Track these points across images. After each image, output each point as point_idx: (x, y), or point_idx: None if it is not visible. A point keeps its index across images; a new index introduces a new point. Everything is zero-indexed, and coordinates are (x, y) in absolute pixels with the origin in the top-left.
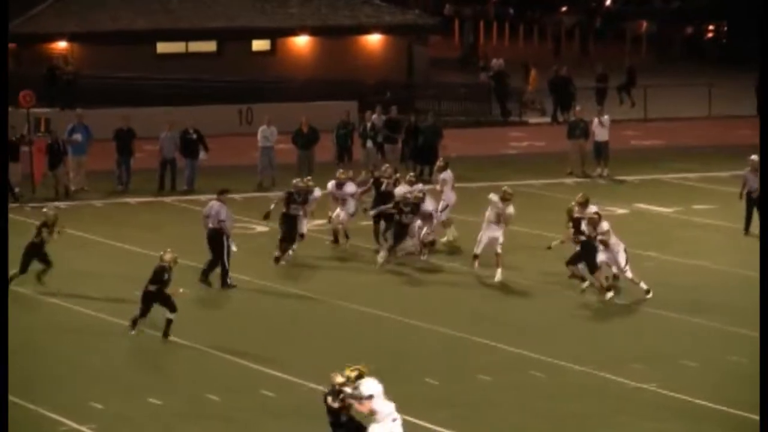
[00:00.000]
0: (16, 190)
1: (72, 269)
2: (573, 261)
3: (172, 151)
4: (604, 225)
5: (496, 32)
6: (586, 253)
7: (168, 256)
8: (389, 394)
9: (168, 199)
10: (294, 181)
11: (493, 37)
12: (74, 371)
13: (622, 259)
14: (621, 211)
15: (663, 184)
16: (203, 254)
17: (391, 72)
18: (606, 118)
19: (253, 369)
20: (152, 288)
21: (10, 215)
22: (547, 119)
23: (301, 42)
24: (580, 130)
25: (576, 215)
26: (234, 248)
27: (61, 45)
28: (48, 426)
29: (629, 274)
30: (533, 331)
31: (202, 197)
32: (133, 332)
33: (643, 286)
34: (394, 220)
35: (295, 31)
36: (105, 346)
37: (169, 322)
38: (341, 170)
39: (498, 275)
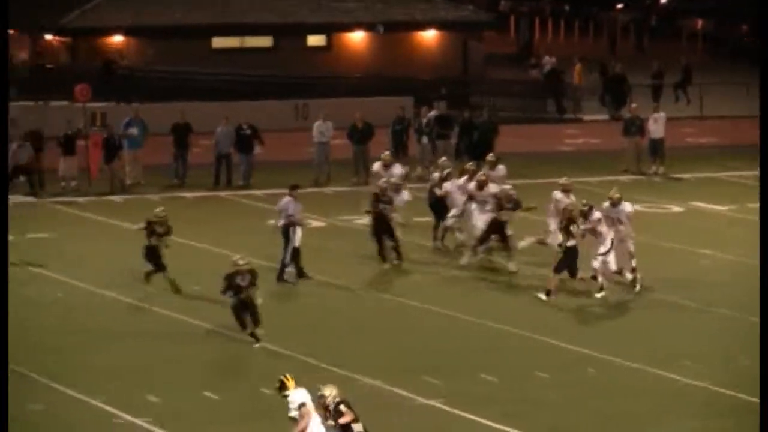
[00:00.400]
0: (73, 183)
1: (128, 264)
2: (572, 273)
3: (227, 146)
4: (596, 214)
5: (551, 28)
6: (570, 257)
7: (241, 262)
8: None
9: (223, 194)
10: (379, 182)
11: (548, 33)
12: (132, 365)
13: (602, 248)
14: (676, 208)
15: (718, 182)
16: (258, 249)
17: (447, 68)
18: (661, 115)
19: (310, 364)
20: (234, 299)
21: (65, 208)
22: (603, 116)
23: (357, 38)
24: (635, 128)
25: (572, 216)
26: (297, 243)
27: (117, 39)
28: (103, 418)
29: (596, 264)
30: (588, 328)
31: (258, 192)
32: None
33: (600, 282)
34: (491, 218)
35: (350, 27)
36: (161, 341)
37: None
38: (387, 152)
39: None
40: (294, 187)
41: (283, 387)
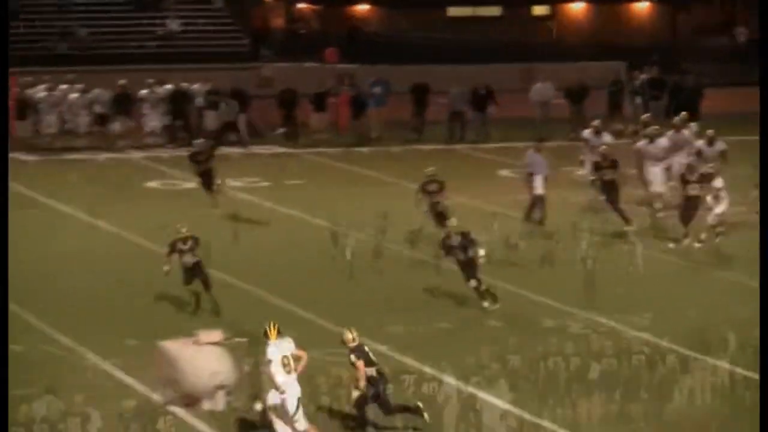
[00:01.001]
0: (324, 136)
1: (374, 208)
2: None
3: (460, 104)
4: (717, 182)
5: None
6: (691, 206)
7: (451, 223)
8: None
9: (457, 147)
10: (601, 149)
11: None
12: (374, 298)
13: (718, 209)
14: None
15: None
16: (490, 195)
17: (658, 35)
18: None
19: (530, 299)
20: (459, 258)
21: (316, 158)
22: None
23: (578, 8)
24: None
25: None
26: (540, 191)
27: (362, 8)
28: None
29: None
30: None
31: (488, 146)
32: (485, 305)
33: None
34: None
35: None
36: (398, 272)
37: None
38: (597, 120)
39: None
40: (540, 140)
41: (265, 334)
